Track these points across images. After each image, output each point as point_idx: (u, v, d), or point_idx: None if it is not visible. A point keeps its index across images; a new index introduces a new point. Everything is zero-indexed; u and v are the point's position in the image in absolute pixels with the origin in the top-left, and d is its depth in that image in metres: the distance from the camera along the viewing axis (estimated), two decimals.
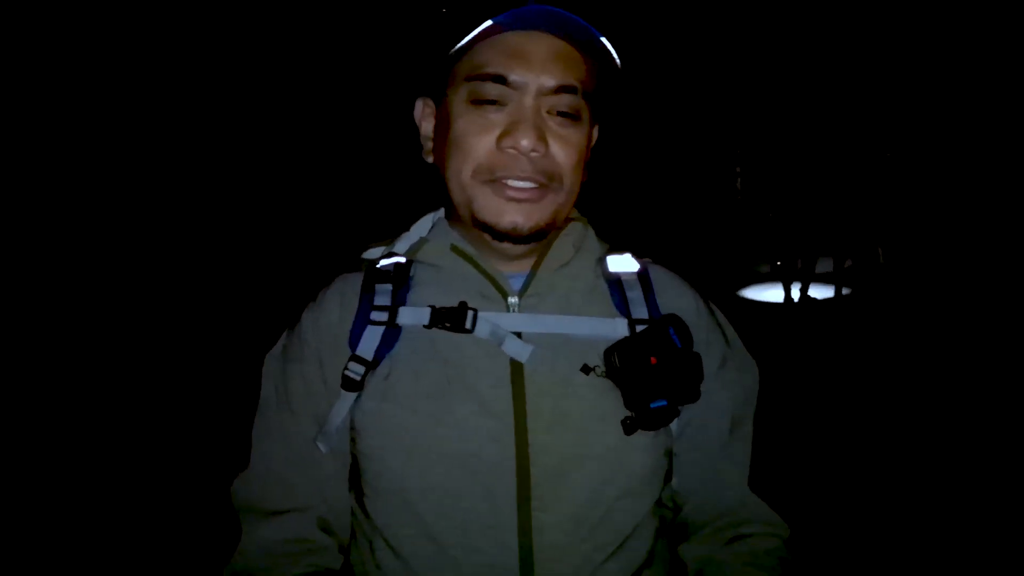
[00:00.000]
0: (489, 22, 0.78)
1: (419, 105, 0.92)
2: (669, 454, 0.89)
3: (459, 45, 0.82)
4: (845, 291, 7.21)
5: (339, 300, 0.92)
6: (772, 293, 7.49)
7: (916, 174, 7.35)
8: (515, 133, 0.80)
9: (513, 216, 0.83)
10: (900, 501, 3.06)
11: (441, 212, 0.98)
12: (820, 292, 7.20)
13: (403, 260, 0.93)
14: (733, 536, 0.91)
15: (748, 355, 0.97)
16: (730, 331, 0.97)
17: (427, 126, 0.92)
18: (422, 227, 0.98)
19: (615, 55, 0.83)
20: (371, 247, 0.98)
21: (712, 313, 0.96)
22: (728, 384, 0.92)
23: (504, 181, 0.83)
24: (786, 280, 7.21)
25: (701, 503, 0.93)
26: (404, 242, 0.96)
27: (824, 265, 7.21)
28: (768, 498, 0.93)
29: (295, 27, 6.16)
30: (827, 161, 7.30)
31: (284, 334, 0.96)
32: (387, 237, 0.98)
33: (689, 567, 0.92)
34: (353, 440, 0.88)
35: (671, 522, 0.94)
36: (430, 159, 0.92)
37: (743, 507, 0.93)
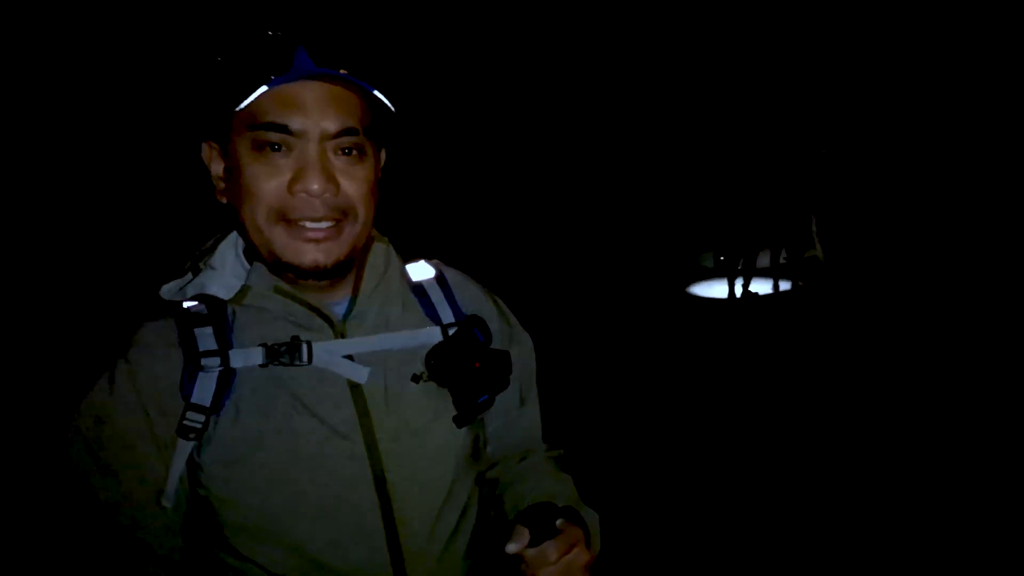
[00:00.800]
0: (264, 88, 0.83)
1: (204, 148, 0.95)
2: (482, 426, 1.06)
3: (240, 107, 0.85)
4: (784, 286, 7.47)
5: (157, 351, 0.90)
6: (717, 289, 7.73)
7: (853, 171, 7.60)
8: (304, 179, 0.85)
9: (314, 255, 0.89)
10: (844, 492, 3.21)
11: (233, 238, 1.00)
12: (761, 287, 7.45)
13: (214, 297, 0.93)
14: (522, 457, 1.11)
15: (524, 331, 1.13)
16: (510, 315, 1.12)
17: (216, 167, 0.94)
18: (225, 261, 0.97)
19: (387, 101, 0.89)
20: (165, 284, 0.96)
21: (497, 303, 1.11)
22: (516, 361, 1.05)
23: (300, 223, 0.88)
24: (730, 276, 7.43)
25: (506, 457, 1.11)
26: (218, 280, 0.95)
27: (764, 260, 7.47)
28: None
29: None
30: (766, 157, 7.54)
31: (92, 395, 0.90)
32: (172, 267, 0.98)
33: (494, 487, 1.10)
34: (203, 486, 0.89)
35: (484, 475, 1.11)
36: (224, 200, 0.95)
37: (533, 446, 1.14)
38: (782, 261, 7.48)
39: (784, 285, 7.51)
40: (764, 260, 7.61)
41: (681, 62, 8.63)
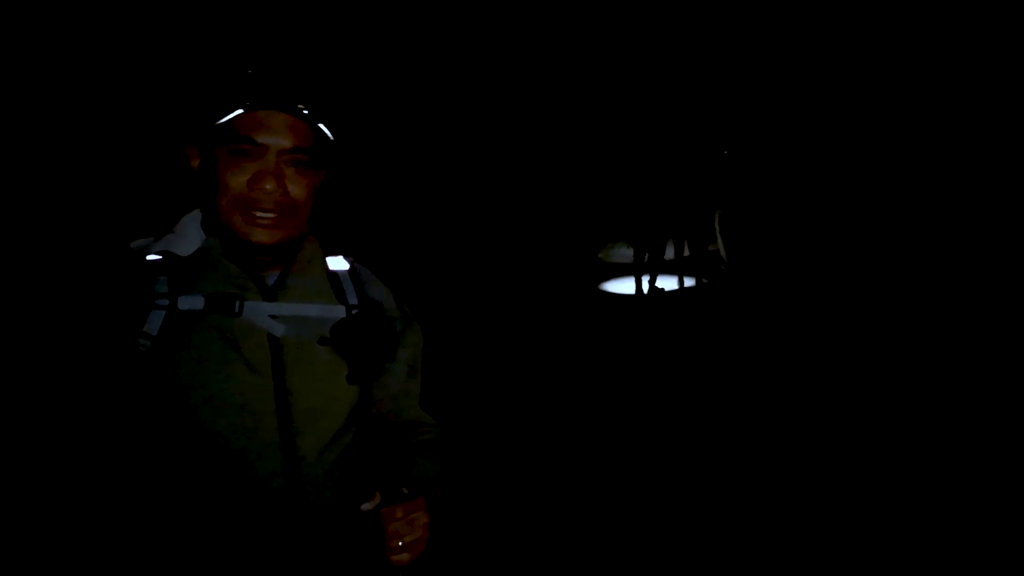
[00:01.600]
0: (240, 111, 1.16)
1: (189, 150, 1.25)
2: (370, 387, 1.32)
3: (220, 121, 1.17)
4: (688, 282, 7.72)
5: (124, 284, 1.18)
6: (624, 285, 7.92)
7: (753, 172, 7.90)
8: (261, 180, 1.17)
9: (260, 235, 1.19)
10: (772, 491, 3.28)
11: (196, 213, 1.28)
12: (667, 283, 7.67)
13: (173, 253, 1.22)
14: (408, 434, 1.40)
15: (416, 323, 1.42)
16: (405, 307, 1.42)
17: (195, 163, 1.25)
18: (190, 230, 1.26)
19: (327, 131, 1.23)
20: (136, 240, 1.26)
21: (396, 299, 1.40)
22: (407, 344, 1.38)
23: (254, 212, 1.18)
24: (637, 271, 7.60)
25: (391, 418, 1.39)
26: (179, 243, 1.24)
27: (669, 254, 7.70)
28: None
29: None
30: (670, 156, 7.77)
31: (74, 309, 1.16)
32: (144, 233, 1.27)
33: (384, 458, 1.36)
34: (153, 388, 1.15)
35: (372, 431, 1.37)
36: (199, 187, 1.24)
37: (416, 419, 1.42)
38: (685, 255, 7.73)
39: (688, 281, 7.77)
40: (668, 254, 7.83)
41: (589, 58, 8.74)
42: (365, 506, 1.15)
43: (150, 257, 1.22)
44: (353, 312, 1.28)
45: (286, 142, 1.17)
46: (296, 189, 1.19)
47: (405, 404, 1.41)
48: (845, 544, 2.92)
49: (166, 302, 1.16)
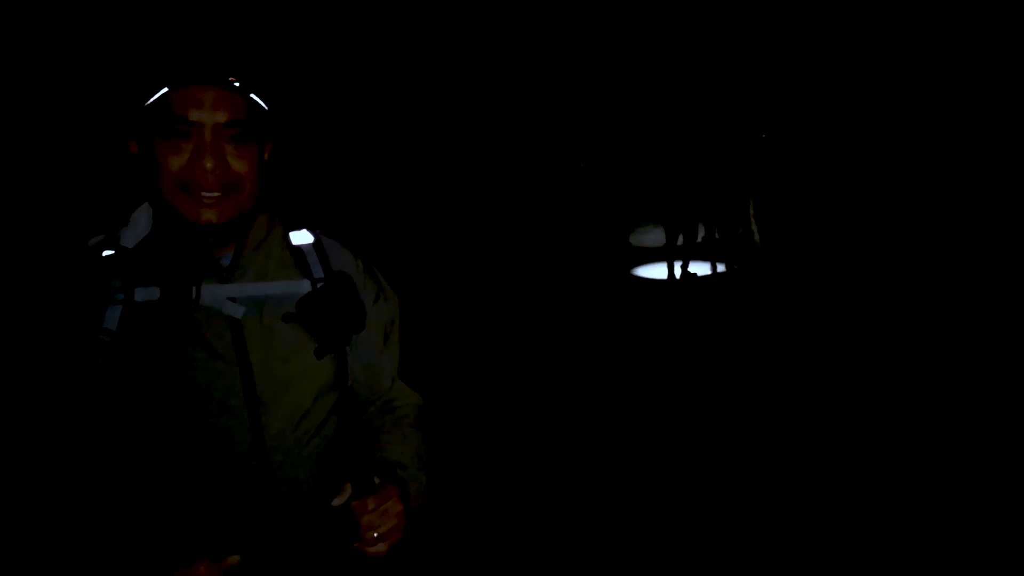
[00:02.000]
0: (165, 89, 1.13)
1: (129, 142, 1.22)
2: (344, 359, 1.30)
3: (150, 100, 1.14)
4: (721, 267, 7.59)
5: (79, 283, 1.16)
6: (656, 270, 7.82)
7: (790, 156, 7.74)
8: (200, 158, 1.12)
9: (208, 215, 1.14)
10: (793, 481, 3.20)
11: (147, 205, 1.25)
12: (700, 268, 7.55)
13: (129, 247, 1.20)
14: (385, 408, 1.40)
15: (391, 290, 1.41)
16: (378, 275, 1.39)
17: (136, 151, 1.21)
18: (139, 220, 1.24)
19: (260, 101, 1.19)
20: (93, 238, 1.23)
21: (367, 267, 1.37)
22: (380, 312, 1.35)
23: (198, 192, 1.14)
24: (670, 256, 7.51)
25: (368, 390, 1.39)
26: (132, 235, 1.22)
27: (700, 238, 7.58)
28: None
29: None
30: (707, 140, 7.63)
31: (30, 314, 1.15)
32: (100, 228, 1.25)
33: (360, 430, 1.37)
34: (113, 382, 1.14)
35: (349, 406, 1.36)
36: (141, 176, 1.20)
37: (393, 389, 1.42)
38: (716, 238, 7.59)
39: (721, 266, 7.64)
40: (700, 237, 7.70)
41: (620, 42, 8.62)
42: (336, 501, 1.12)
43: (105, 253, 1.20)
44: (318, 285, 1.26)
45: (220, 117, 1.14)
46: (238, 164, 1.16)
47: (380, 375, 1.39)
48: (870, 538, 2.86)
49: (122, 296, 1.15)
